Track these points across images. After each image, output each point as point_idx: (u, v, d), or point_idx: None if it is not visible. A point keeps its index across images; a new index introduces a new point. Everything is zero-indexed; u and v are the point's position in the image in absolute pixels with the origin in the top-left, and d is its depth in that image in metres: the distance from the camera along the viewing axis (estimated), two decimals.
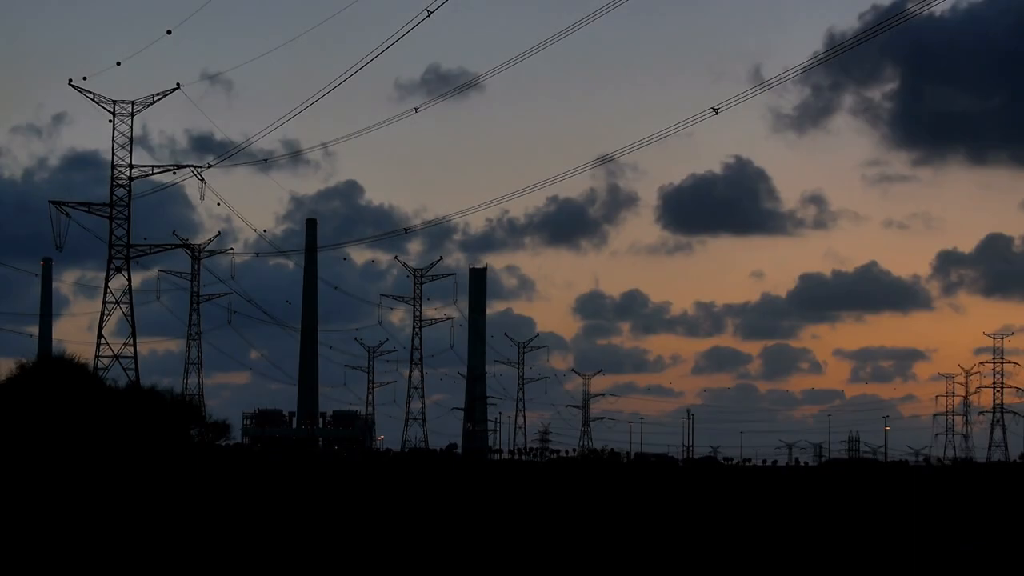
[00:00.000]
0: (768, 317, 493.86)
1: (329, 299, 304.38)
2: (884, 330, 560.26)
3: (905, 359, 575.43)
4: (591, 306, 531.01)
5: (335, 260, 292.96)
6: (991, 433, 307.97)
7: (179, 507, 63.36)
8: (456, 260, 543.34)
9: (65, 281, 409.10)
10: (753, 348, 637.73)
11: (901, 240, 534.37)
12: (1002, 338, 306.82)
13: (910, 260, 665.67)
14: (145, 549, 43.10)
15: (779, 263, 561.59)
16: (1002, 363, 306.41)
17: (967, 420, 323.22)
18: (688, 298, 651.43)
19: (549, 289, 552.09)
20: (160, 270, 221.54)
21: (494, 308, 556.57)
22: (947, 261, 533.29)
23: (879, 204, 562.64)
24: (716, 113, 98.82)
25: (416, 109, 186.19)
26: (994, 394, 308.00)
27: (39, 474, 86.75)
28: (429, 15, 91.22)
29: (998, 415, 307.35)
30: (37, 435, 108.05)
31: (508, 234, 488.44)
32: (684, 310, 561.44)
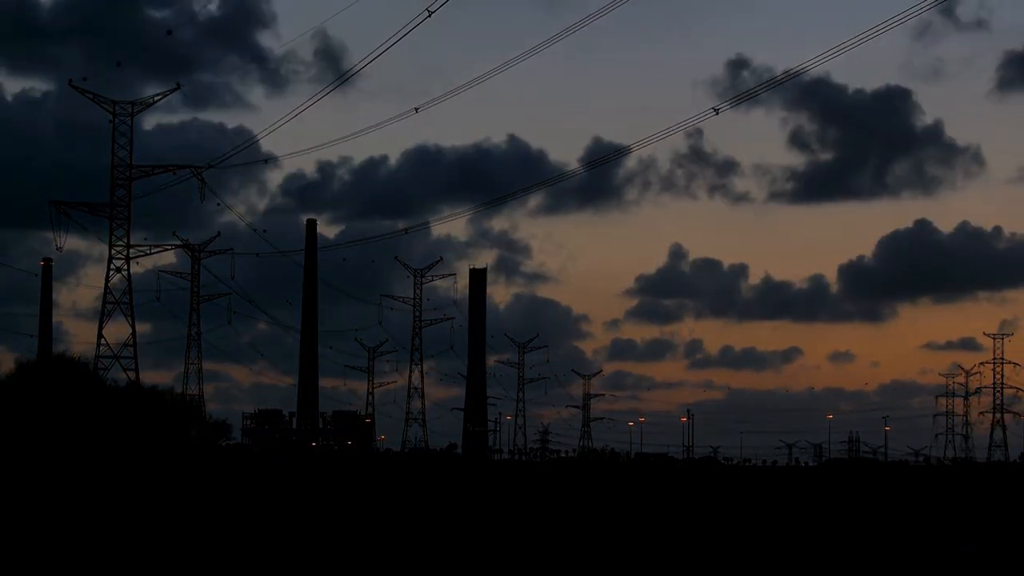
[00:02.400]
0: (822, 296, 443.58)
1: (329, 299, 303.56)
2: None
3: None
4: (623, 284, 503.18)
5: (337, 259, 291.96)
6: (991, 433, 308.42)
7: (178, 507, 63.33)
8: (493, 227, 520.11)
9: (66, 281, 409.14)
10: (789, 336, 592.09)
11: None
12: (1002, 338, 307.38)
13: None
14: (144, 549, 43.06)
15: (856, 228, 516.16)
16: (1002, 363, 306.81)
17: (967, 420, 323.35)
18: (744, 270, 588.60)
19: (587, 262, 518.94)
20: (160, 270, 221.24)
21: (540, 281, 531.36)
22: None
23: None
24: (716, 113, 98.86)
25: (416, 109, 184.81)
26: (994, 394, 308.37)
27: (39, 474, 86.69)
28: (430, 15, 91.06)
29: (998, 415, 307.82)
30: (37, 434, 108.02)
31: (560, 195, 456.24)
32: (725, 287, 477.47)
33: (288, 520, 57.14)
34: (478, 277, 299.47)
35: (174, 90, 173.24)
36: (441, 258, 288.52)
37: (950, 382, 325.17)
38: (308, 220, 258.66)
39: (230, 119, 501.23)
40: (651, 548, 47.94)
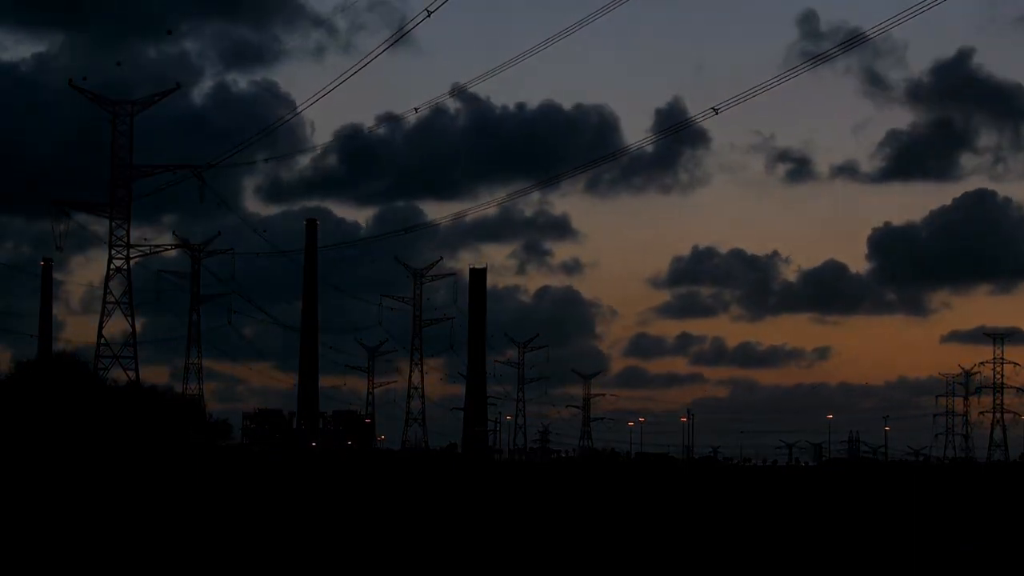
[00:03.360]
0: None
1: (329, 299, 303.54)
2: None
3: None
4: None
5: (337, 260, 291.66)
6: (991, 433, 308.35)
7: (178, 507, 63.33)
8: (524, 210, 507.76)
9: (66, 281, 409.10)
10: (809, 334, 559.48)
11: None
12: (1002, 338, 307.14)
13: None
14: (145, 549, 43.06)
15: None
16: (1002, 363, 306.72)
17: (967, 420, 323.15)
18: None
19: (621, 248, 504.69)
20: (160, 269, 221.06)
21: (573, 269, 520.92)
22: None
23: None
24: (716, 113, 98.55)
25: (416, 109, 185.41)
26: (994, 394, 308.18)
27: (38, 474, 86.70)
28: (429, 15, 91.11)
29: (998, 415, 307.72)
30: (37, 434, 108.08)
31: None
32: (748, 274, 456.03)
33: (288, 520, 57.13)
34: (478, 276, 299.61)
35: (173, 90, 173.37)
36: (441, 257, 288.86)
37: (950, 382, 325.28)
38: (308, 220, 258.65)
39: (268, 75, 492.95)
40: (649, 547, 47.94)
